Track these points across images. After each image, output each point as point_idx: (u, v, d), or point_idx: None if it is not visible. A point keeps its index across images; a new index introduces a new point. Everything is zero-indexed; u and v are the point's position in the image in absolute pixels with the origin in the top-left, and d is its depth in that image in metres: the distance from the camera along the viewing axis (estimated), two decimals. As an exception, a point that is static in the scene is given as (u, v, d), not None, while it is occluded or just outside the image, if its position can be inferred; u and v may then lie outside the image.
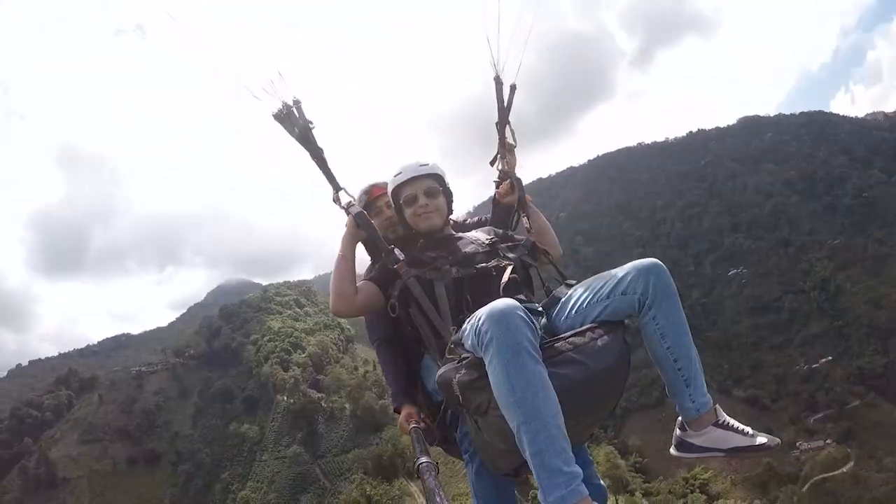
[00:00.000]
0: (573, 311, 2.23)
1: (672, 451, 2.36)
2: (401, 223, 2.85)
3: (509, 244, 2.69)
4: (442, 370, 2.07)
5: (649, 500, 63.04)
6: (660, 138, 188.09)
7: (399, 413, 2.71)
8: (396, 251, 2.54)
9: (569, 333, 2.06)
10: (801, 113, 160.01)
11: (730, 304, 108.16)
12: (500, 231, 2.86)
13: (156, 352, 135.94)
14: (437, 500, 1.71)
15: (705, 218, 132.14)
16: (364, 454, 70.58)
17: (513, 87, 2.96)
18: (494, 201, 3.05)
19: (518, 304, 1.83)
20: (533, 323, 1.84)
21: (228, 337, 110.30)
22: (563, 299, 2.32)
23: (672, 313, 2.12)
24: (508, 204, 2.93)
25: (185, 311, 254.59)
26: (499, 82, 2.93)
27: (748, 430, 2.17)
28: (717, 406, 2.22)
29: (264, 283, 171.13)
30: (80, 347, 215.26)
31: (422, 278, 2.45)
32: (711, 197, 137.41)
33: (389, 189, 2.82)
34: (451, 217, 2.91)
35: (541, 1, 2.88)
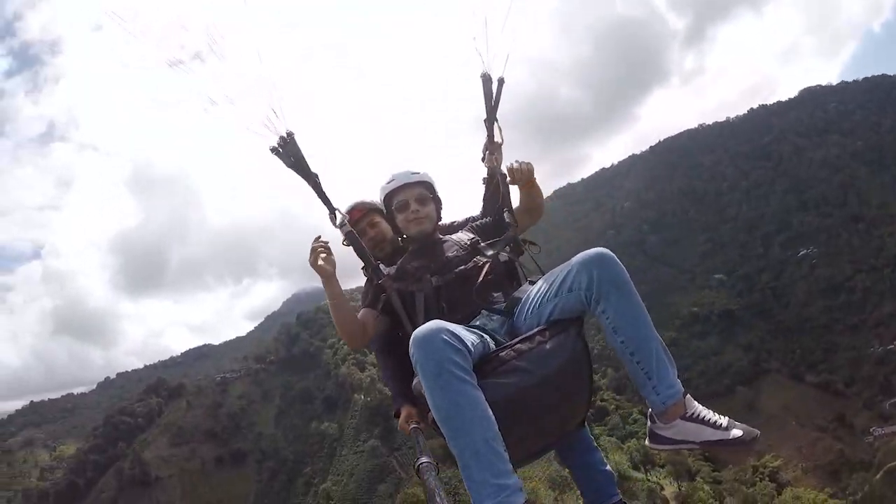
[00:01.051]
0: (529, 312, 2.33)
1: (646, 442, 2.38)
2: (392, 228, 3.07)
3: (490, 241, 2.80)
4: (414, 381, 2.23)
5: (714, 488, 65.66)
6: (721, 118, 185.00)
7: (399, 416, 2.85)
8: (381, 267, 2.73)
9: (515, 340, 2.16)
10: (865, 79, 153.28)
11: (801, 285, 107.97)
12: (483, 223, 3.02)
13: (237, 360, 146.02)
14: (438, 500, 1.71)
15: (772, 197, 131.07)
16: (434, 444, 76.68)
17: (501, 81, 2.98)
18: (486, 189, 3.14)
19: (444, 326, 1.93)
20: (463, 343, 1.93)
21: (307, 342, 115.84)
22: (521, 300, 2.43)
23: (622, 305, 2.11)
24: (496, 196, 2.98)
25: (262, 320, 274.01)
26: (486, 78, 2.96)
27: (722, 421, 2.14)
28: (689, 397, 2.19)
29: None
30: (164, 359, 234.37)
31: (403, 291, 2.65)
32: (777, 175, 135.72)
33: (381, 196, 3.00)
34: (439, 223, 3.05)
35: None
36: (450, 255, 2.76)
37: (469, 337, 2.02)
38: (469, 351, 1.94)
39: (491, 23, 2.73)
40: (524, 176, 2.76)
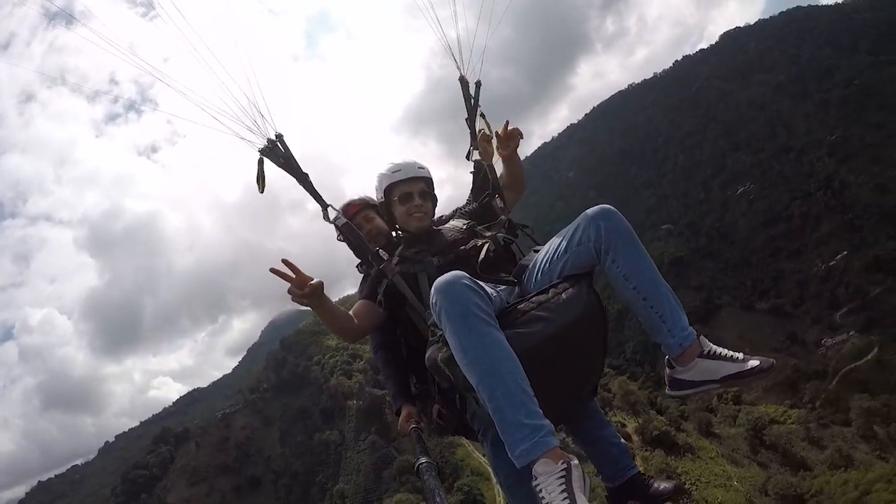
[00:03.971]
0: (539, 274, 2.35)
1: (667, 391, 2.36)
2: (389, 218, 3.01)
3: (486, 224, 2.86)
4: (428, 353, 2.16)
5: (669, 415, 67.75)
6: (649, 74, 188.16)
7: (399, 415, 2.83)
8: (381, 252, 2.72)
9: (531, 294, 2.19)
10: (781, 13, 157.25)
11: (743, 222, 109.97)
12: (471, 209, 3.10)
13: (230, 396, 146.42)
14: (437, 500, 1.72)
15: (705, 144, 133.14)
16: (432, 444, 78.00)
17: (478, 84, 3.14)
18: (475, 186, 3.23)
19: (463, 273, 1.95)
20: (483, 290, 1.94)
21: (293, 364, 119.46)
22: (529, 266, 2.45)
23: (630, 253, 2.16)
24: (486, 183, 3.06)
25: (244, 353, 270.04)
26: (464, 82, 3.10)
27: (738, 355, 2.15)
28: (702, 337, 2.21)
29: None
30: (157, 412, 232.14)
31: (406, 273, 2.61)
32: (708, 121, 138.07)
33: (384, 185, 2.92)
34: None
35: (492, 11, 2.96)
36: (448, 238, 2.78)
37: (488, 288, 2.03)
38: (490, 298, 1.96)
39: (462, 31, 2.95)
40: (514, 139, 2.80)
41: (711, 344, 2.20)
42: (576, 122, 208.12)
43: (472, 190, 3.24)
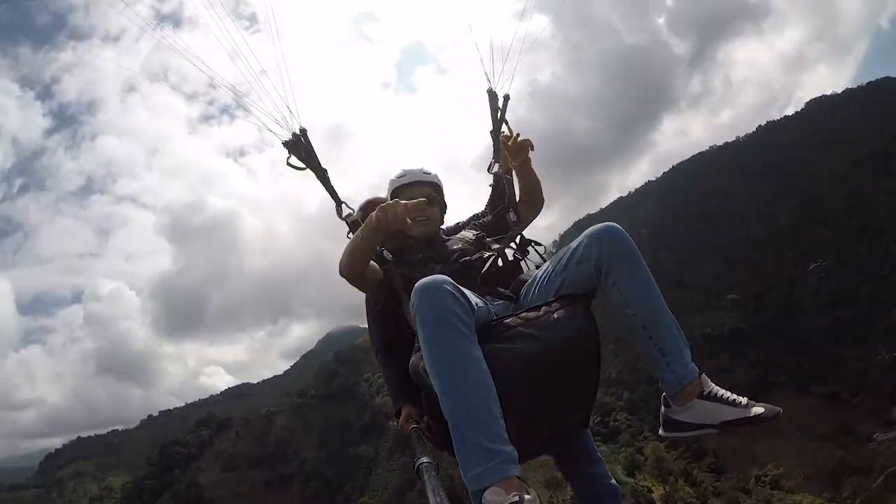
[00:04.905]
0: (536, 290, 2.25)
1: (660, 431, 2.22)
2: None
3: (496, 238, 2.78)
4: (412, 359, 2.08)
5: (697, 490, 68.21)
6: (731, 138, 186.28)
7: (399, 416, 2.75)
8: (385, 252, 2.59)
9: (521, 309, 2.06)
10: (868, 83, 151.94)
11: (810, 300, 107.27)
12: (484, 221, 3.04)
13: (276, 397, 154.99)
14: (438, 500, 1.62)
15: (782, 215, 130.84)
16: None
17: (506, 97, 3.02)
18: (492, 199, 3.14)
19: (446, 278, 1.81)
20: (466, 298, 1.80)
21: (344, 377, 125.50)
22: (528, 281, 2.38)
23: (633, 276, 2.04)
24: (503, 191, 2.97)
25: (298, 359, 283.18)
26: (492, 94, 3.01)
27: (742, 400, 2.02)
28: (704, 375, 2.07)
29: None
30: (204, 398, 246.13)
31: (407, 277, 2.44)
32: (786, 190, 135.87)
33: (390, 189, 2.96)
34: (443, 227, 3.03)
35: (527, 18, 2.90)
36: (454, 248, 2.77)
37: (473, 298, 1.94)
38: (472, 309, 1.84)
39: (496, 44, 2.93)
40: (521, 147, 2.74)
41: (714, 384, 2.09)
42: (654, 178, 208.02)
43: (488, 202, 3.20)
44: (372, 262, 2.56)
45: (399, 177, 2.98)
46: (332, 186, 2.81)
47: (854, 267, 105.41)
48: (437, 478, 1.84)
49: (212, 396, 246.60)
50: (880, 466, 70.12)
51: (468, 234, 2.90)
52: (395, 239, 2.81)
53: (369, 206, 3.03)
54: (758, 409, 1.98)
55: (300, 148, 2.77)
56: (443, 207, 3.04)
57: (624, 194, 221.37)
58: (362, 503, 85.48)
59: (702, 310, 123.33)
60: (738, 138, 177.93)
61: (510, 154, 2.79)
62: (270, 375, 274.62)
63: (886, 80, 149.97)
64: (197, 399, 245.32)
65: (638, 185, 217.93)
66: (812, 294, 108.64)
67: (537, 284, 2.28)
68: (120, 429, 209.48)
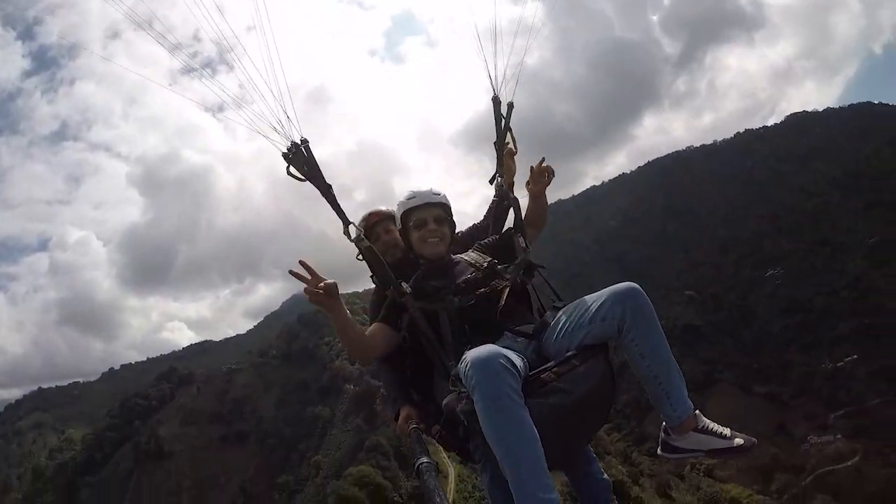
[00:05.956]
0: (560, 336, 2.49)
1: (658, 451, 2.65)
2: (405, 245, 3.08)
3: (507, 265, 2.85)
4: (447, 399, 2.33)
5: (630, 470, 70.44)
6: (709, 141, 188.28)
7: (397, 418, 2.93)
8: (403, 285, 2.69)
9: (552, 364, 2.32)
10: (850, 105, 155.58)
11: (764, 305, 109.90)
12: (489, 242, 3.12)
13: (237, 355, 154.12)
14: (437, 500, 1.76)
15: (749, 221, 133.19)
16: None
17: (510, 105, 3.11)
18: (495, 213, 3.32)
19: (499, 351, 2.06)
20: (515, 367, 2.07)
21: (306, 339, 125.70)
22: (551, 324, 2.58)
23: (649, 334, 2.35)
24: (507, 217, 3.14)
25: (262, 319, 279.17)
26: (496, 101, 3.11)
27: (727, 432, 2.42)
28: (698, 412, 2.47)
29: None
30: (165, 353, 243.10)
31: (427, 310, 2.64)
32: (755, 199, 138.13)
33: (400, 211, 3.01)
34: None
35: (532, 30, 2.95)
36: (468, 276, 2.82)
37: (517, 361, 2.19)
38: (520, 375, 2.11)
39: (499, 51, 2.90)
40: (545, 178, 2.94)
41: (706, 419, 2.47)
42: (629, 171, 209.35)
43: (489, 214, 3.30)
44: (379, 332, 2.72)
45: (409, 198, 2.98)
46: (338, 204, 2.78)
47: (810, 278, 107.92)
48: (436, 478, 1.99)
49: (174, 352, 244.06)
50: (811, 467, 72.68)
51: (476, 256, 2.98)
52: (408, 258, 3.05)
53: (371, 216, 3.36)
54: (739, 441, 2.39)
55: (301, 160, 2.70)
56: (452, 227, 3.07)
57: (598, 183, 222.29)
58: (316, 461, 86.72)
59: (660, 303, 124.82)
60: (715, 142, 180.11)
61: (532, 179, 2.95)
62: (233, 334, 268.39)
63: (868, 104, 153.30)
64: (159, 354, 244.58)
65: (613, 176, 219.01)
66: (767, 299, 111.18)
67: (561, 330, 2.50)
68: (81, 381, 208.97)
